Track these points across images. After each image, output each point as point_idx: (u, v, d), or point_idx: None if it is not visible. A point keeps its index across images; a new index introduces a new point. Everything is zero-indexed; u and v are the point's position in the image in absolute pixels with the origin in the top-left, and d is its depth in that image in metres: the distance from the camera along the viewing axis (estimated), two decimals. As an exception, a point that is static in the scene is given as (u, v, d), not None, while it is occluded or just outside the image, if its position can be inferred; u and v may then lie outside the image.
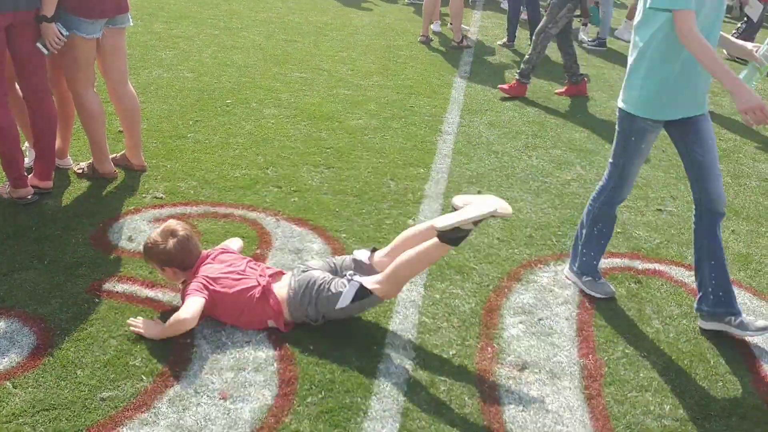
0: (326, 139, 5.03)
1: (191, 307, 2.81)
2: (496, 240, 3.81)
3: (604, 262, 3.67)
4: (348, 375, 2.69)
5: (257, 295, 2.92)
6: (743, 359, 3.00)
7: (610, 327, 3.15)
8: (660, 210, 4.35)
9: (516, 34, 8.25)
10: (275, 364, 2.72)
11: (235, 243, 3.33)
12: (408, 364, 2.79)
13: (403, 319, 3.08)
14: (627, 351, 2.99)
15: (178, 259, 2.98)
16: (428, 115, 5.73)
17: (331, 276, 2.99)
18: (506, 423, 2.54)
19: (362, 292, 2.87)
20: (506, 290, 3.38)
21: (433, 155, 4.92)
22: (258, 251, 3.50)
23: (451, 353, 2.89)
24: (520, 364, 2.85)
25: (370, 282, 2.90)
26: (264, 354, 2.77)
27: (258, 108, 5.52)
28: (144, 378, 2.59)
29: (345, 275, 2.98)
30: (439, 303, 3.22)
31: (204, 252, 3.10)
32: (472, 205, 2.76)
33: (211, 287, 2.91)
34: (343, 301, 2.87)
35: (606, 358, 2.94)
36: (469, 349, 2.93)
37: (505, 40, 8.29)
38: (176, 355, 2.73)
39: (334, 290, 2.89)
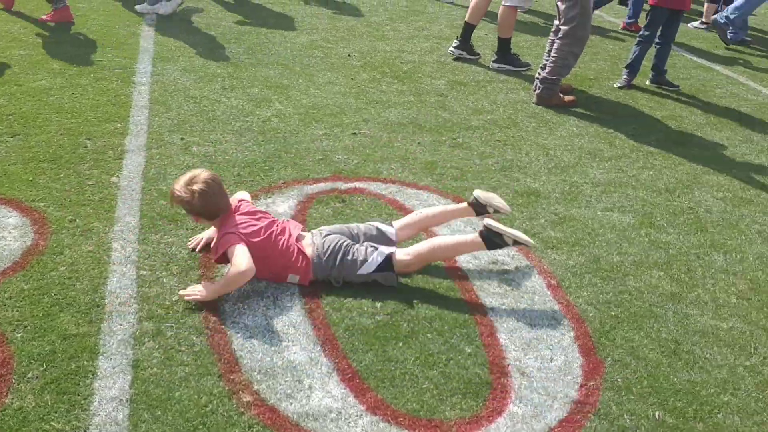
0: (5, 105, 4.60)
1: (244, 257, 2.88)
2: (205, 184, 3.86)
3: (311, 188, 3.93)
4: (70, 342, 2.62)
5: (290, 250, 3.06)
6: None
7: (321, 246, 3.41)
8: (354, 134, 4.71)
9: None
10: (-16, 350, 2.55)
11: (246, 194, 3.41)
12: (132, 319, 2.79)
13: (121, 276, 3.04)
14: (338, 264, 3.28)
15: (199, 210, 3.03)
16: (119, 67, 5.48)
17: (352, 242, 3.14)
18: (236, 351, 2.68)
19: (388, 264, 3.06)
20: (222, 230, 3.47)
21: (129, 108, 4.76)
22: (-58, 237, 3.17)
23: (174, 299, 2.93)
24: (242, 296, 3.00)
25: (401, 253, 3.10)
26: (-32, 342, 2.58)
27: None
28: None
29: (365, 243, 3.14)
30: (155, 254, 3.22)
31: (232, 201, 3.18)
32: (520, 231, 3.18)
33: (247, 239, 2.97)
34: (367, 268, 3.06)
35: (320, 273, 3.20)
36: (192, 292, 3.00)
37: None
38: None
39: (359, 256, 3.06)
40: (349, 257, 3.09)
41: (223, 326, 2.81)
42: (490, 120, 5.14)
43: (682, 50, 7.37)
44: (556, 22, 5.60)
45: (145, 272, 3.09)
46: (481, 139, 4.80)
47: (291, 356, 2.70)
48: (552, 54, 5.47)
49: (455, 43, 6.55)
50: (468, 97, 5.55)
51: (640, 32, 6.08)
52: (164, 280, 3.05)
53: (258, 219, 3.15)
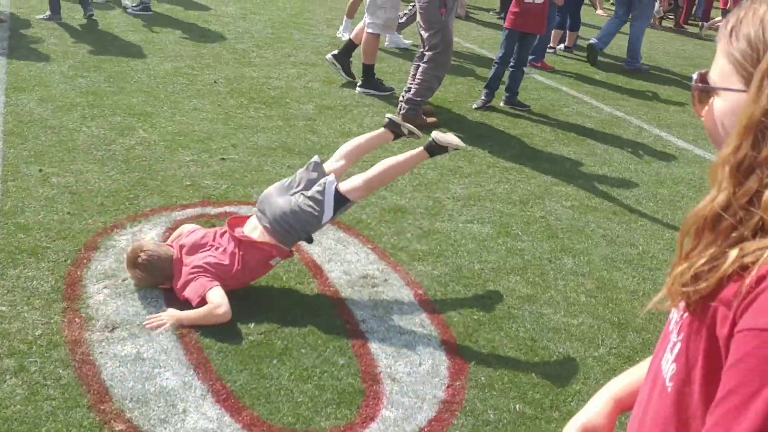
0: None
1: (219, 297, 2.99)
2: (67, 215, 3.76)
3: (180, 215, 3.91)
4: None
5: (242, 252, 3.14)
6: (308, 269, 3.54)
7: (191, 271, 3.41)
8: (223, 159, 4.73)
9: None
10: None
11: (186, 228, 3.46)
12: (-9, 357, 2.68)
13: (-23, 314, 2.91)
14: (209, 287, 3.29)
15: (152, 280, 3.18)
16: (-34, 98, 5.21)
17: (294, 198, 3.18)
18: (106, 381, 2.64)
19: (340, 200, 3.16)
20: (85, 261, 3.39)
21: (-19, 141, 4.54)
22: None
23: (37, 333, 2.84)
24: (110, 326, 2.95)
25: (346, 187, 3.18)
26: None
27: None
28: None
29: (309, 191, 3.18)
30: (15, 289, 3.11)
31: (172, 250, 3.21)
32: (454, 137, 3.45)
33: (211, 270, 3.07)
34: (327, 216, 3.16)
35: (191, 298, 3.20)
36: (56, 325, 2.91)
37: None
38: None
39: (312, 208, 3.13)
40: (304, 216, 3.16)
41: (91, 357, 2.76)
42: (356, 142, 5.30)
43: (533, 73, 7.89)
44: (421, 49, 5.88)
45: (4, 308, 2.98)
46: (348, 160, 4.95)
47: (163, 382, 2.69)
48: (417, 77, 5.74)
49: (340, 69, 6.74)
50: (336, 121, 5.70)
51: (497, 54, 6.48)
52: (26, 314, 2.95)
53: (208, 247, 3.22)
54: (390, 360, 2.95)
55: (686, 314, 0.97)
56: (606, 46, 8.74)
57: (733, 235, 0.89)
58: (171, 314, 3.02)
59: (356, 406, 2.68)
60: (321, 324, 3.12)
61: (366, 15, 6.39)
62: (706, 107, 1.00)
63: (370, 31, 6.36)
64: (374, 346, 3.03)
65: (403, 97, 5.87)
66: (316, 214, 3.16)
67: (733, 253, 0.87)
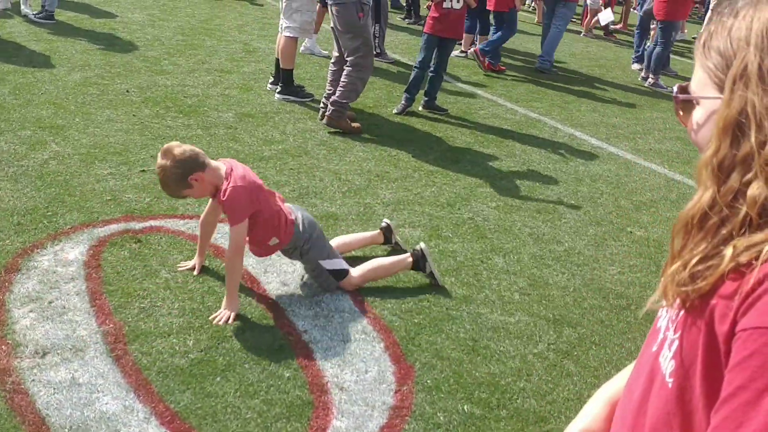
0: None
1: (243, 234, 3.15)
2: (-19, 236, 3.54)
3: (102, 231, 3.76)
4: None
5: (281, 211, 3.30)
6: (244, 282, 3.47)
7: (121, 289, 3.28)
8: (143, 171, 4.57)
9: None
10: None
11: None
12: None
13: None
14: (143, 306, 3.18)
15: (192, 162, 3.07)
16: None
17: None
18: (41, 411, 2.50)
19: (341, 274, 3.40)
20: (7, 284, 3.21)
21: None
22: None
23: (-40, 365, 2.66)
24: (40, 352, 2.80)
25: (353, 271, 3.44)
26: None
27: None
28: None
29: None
30: (-70, 318, 2.90)
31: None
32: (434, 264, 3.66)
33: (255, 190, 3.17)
34: (330, 264, 3.37)
35: (124, 318, 3.08)
36: (-21, 354, 2.74)
37: None
38: None
39: (329, 248, 3.40)
40: (322, 242, 3.40)
41: (23, 386, 2.60)
42: (281, 150, 5.24)
43: (448, 77, 8.03)
44: (335, 53, 5.87)
45: None
46: (275, 168, 4.89)
47: (103, 407, 2.57)
48: (341, 80, 5.72)
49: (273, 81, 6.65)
50: (257, 129, 5.62)
51: (417, 59, 6.55)
52: (-56, 345, 2.76)
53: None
54: (336, 369, 2.93)
55: (681, 312, 1.01)
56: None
57: (722, 232, 0.94)
58: (226, 305, 3.17)
59: (306, 418, 2.65)
60: (263, 337, 3.07)
61: (282, 19, 6.33)
62: (690, 116, 1.05)
63: (287, 34, 6.30)
64: (319, 357, 3.00)
65: (324, 104, 5.85)
66: (327, 251, 3.44)
67: (728, 252, 0.91)
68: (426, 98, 6.63)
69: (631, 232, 4.56)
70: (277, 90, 6.51)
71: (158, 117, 5.60)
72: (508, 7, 8.39)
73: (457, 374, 2.99)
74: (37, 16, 8.14)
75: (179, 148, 3.08)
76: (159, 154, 3.11)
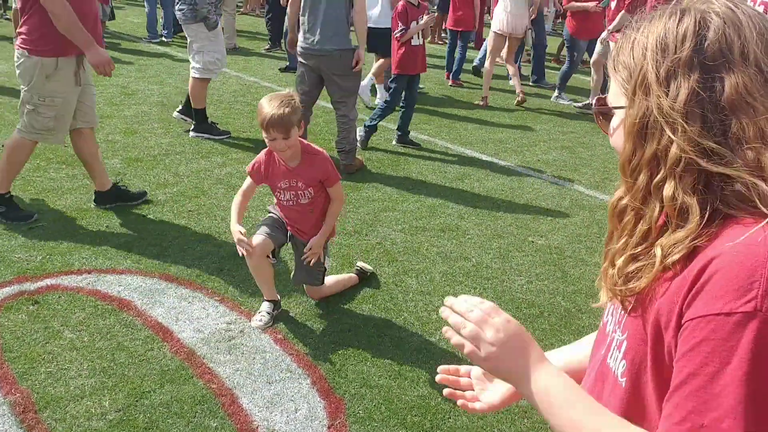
0: None
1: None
2: None
3: (-6, 296, 3.51)
4: None
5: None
6: (156, 334, 3.33)
7: (24, 355, 3.06)
8: (31, 228, 4.31)
9: None
10: None
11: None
12: None
13: None
14: (50, 370, 2.97)
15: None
16: None
17: None
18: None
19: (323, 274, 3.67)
20: None
21: None
22: None
23: None
24: (-61, 434, 2.56)
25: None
26: None
27: None
28: None
29: None
30: None
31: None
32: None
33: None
34: (327, 263, 3.66)
35: (31, 385, 2.87)
36: None
37: None
38: None
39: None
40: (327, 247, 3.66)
41: None
42: (177, 192, 5.09)
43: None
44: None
45: None
46: (172, 212, 4.73)
47: (18, 486, 2.38)
48: (342, 126, 5.75)
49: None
50: (148, 173, 5.43)
51: (383, 100, 6.69)
52: None
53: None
54: (265, 412, 2.85)
55: (625, 314, 1.07)
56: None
57: (642, 228, 1.03)
58: (316, 242, 3.48)
59: (241, 466, 2.55)
60: (183, 389, 2.94)
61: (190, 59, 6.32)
62: (609, 125, 1.13)
63: (193, 75, 6.26)
64: (245, 401, 2.91)
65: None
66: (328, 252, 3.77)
67: (658, 252, 0.98)
68: (399, 133, 6.71)
69: (532, 242, 4.73)
70: (192, 128, 6.40)
71: (40, 170, 5.31)
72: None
73: (388, 401, 2.98)
74: None
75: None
76: (273, 98, 3.21)
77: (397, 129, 6.80)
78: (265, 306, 3.50)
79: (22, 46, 4.14)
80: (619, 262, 1.05)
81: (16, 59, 4.24)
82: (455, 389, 1.44)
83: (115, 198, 4.73)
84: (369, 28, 6.03)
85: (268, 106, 3.16)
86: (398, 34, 6.28)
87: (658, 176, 1.00)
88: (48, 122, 4.25)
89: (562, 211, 5.34)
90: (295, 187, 3.40)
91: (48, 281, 3.72)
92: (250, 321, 3.47)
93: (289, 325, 3.48)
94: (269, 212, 3.66)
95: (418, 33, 6.35)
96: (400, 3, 6.38)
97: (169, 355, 3.17)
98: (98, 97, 7.53)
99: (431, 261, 4.31)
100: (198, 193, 5.11)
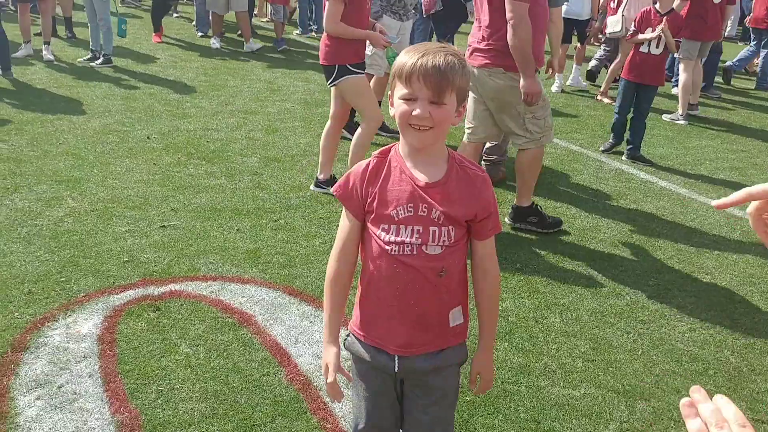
0: None
1: None
2: (-14, 310, 3.24)
3: (118, 298, 3.44)
4: None
5: None
6: (273, 356, 3.12)
7: (138, 369, 2.94)
8: (164, 227, 4.27)
9: None
10: None
11: None
12: None
13: None
14: (161, 389, 2.83)
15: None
16: None
17: None
18: None
19: None
20: (12, 366, 2.89)
21: None
22: None
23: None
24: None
25: None
26: None
27: None
28: None
29: None
30: (-76, 413, 2.58)
31: None
32: None
33: None
34: None
35: (140, 405, 2.73)
36: (-24, 457, 2.41)
37: None
38: None
39: None
40: None
41: (21, 499, 2.26)
42: (309, 197, 4.91)
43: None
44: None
45: None
46: (303, 218, 4.56)
47: None
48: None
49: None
50: (284, 174, 5.31)
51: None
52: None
53: None
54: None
55: None
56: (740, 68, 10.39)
57: None
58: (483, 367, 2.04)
59: None
60: (295, 426, 2.70)
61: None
62: None
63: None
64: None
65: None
66: None
67: None
68: (630, 147, 6.30)
69: (696, 279, 4.13)
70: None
71: (180, 165, 5.32)
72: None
73: (521, 465, 2.59)
74: (99, 64, 8.09)
75: None
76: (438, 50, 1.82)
77: (626, 142, 6.32)
78: None
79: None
80: None
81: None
82: None
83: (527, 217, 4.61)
84: None
85: (420, 53, 1.78)
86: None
87: None
88: (548, 120, 4.44)
89: (732, 245, 4.66)
90: (427, 219, 1.82)
91: (172, 286, 3.62)
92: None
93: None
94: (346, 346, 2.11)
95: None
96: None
97: (284, 383, 2.94)
98: (244, 91, 7.60)
99: (578, 295, 3.84)
100: (331, 199, 4.91)
